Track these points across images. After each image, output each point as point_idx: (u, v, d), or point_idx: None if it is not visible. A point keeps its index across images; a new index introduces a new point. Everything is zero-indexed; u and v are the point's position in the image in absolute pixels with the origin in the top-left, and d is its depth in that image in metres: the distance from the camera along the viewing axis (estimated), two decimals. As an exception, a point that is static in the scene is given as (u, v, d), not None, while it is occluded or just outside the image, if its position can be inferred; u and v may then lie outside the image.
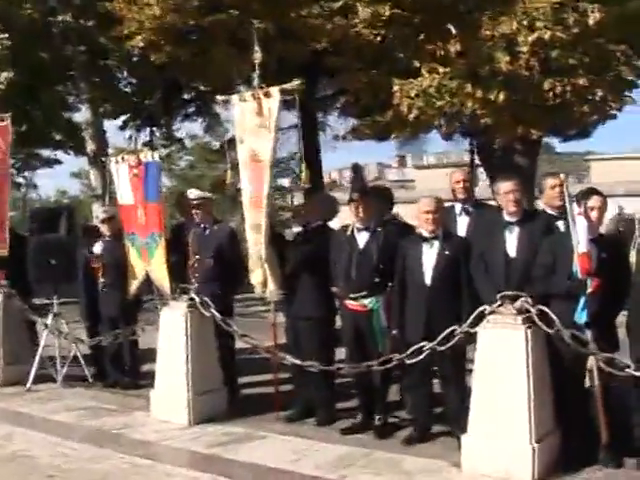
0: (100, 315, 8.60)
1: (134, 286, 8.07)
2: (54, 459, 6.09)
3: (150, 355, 7.80)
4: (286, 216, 13.04)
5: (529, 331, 5.33)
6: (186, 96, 18.04)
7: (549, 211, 6.19)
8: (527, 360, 5.29)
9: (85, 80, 15.91)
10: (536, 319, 5.34)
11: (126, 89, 17.53)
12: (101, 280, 8.47)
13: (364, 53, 10.73)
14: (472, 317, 5.59)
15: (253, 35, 7.22)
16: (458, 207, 6.87)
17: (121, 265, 8.24)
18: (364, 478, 5.47)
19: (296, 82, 6.36)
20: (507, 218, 6.08)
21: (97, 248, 8.58)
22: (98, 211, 8.99)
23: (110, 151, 17.49)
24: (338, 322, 6.94)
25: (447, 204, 6.65)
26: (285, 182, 28.36)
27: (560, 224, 6.00)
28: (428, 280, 6.10)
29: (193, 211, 7.82)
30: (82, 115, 17.93)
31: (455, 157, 41.67)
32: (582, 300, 5.34)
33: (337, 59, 10.76)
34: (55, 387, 8.50)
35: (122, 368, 8.56)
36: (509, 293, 5.49)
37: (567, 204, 5.53)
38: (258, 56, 6.77)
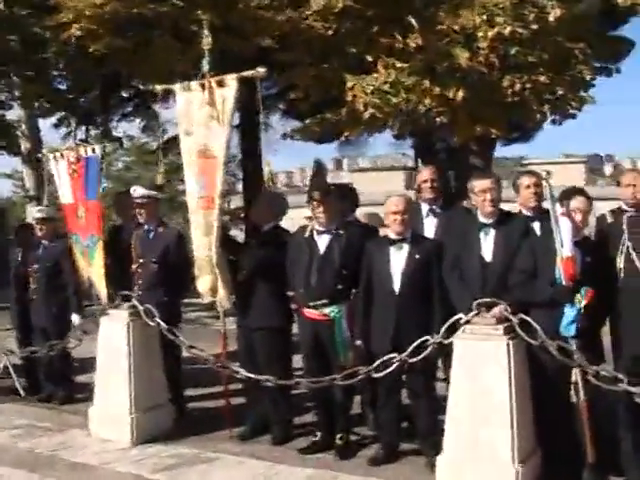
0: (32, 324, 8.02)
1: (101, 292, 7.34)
2: (-20, 488, 5.47)
3: (88, 364, 7.23)
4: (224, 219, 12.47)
5: (511, 342, 4.89)
6: (124, 94, 17.38)
7: (525, 212, 5.76)
8: (509, 373, 4.88)
9: (18, 74, 15.15)
10: (518, 329, 4.91)
11: (61, 86, 16.84)
12: (32, 287, 7.89)
13: (314, 47, 10.23)
14: (446, 326, 5.14)
15: (202, 21, 6.63)
16: (425, 208, 6.37)
17: (55, 271, 7.76)
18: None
19: (260, 69, 5.78)
20: (482, 219, 5.62)
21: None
22: (33, 212, 8.33)
23: (44, 151, 16.71)
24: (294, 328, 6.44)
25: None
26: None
27: (536, 226, 5.59)
28: (397, 286, 5.61)
29: (136, 211, 7.23)
30: (15, 112, 17.19)
31: (391, 160, 41.75)
32: (571, 311, 4.90)
33: (286, 54, 10.23)
34: (-18, 402, 7.81)
35: (57, 380, 7.98)
36: (487, 300, 5.05)
37: (550, 204, 5.12)
38: (208, 41, 6.18)
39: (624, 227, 5.23)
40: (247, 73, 5.86)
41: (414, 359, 5.28)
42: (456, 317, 5.10)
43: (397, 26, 9.66)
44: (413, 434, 5.96)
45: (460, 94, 9.25)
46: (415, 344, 5.25)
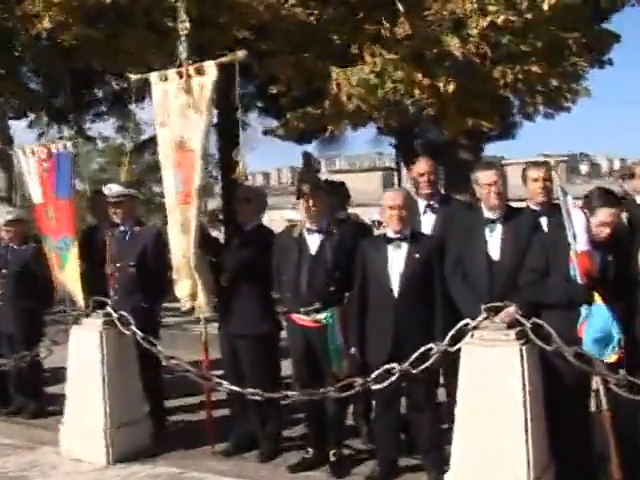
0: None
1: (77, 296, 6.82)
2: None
3: (60, 374, 6.72)
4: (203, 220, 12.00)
5: (524, 348, 4.45)
6: (98, 92, 16.87)
7: (532, 206, 5.32)
8: (523, 382, 4.42)
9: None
10: (531, 334, 4.46)
11: (34, 85, 16.32)
12: (-2, 292, 7.41)
13: (295, 35, 9.71)
14: (452, 332, 4.67)
15: (177, 8, 6.13)
16: (422, 204, 5.87)
17: (24, 276, 7.34)
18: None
19: (240, 53, 5.30)
20: (488, 214, 5.16)
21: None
22: (2, 213, 7.85)
23: (15, 147, 16.17)
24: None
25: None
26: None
27: (543, 221, 5.15)
28: (395, 288, 5.14)
29: (111, 210, 6.73)
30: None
31: (368, 161, 41.45)
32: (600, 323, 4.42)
33: (265, 42, 9.70)
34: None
35: (27, 392, 7.51)
36: (497, 304, 4.60)
37: (560, 195, 4.68)
38: (185, 26, 5.69)
39: None
40: (226, 58, 5.40)
41: (416, 369, 4.81)
42: (463, 322, 4.63)
43: (384, 12, 9.20)
44: (412, 447, 5.52)
45: (451, 86, 8.82)
46: (418, 353, 4.78)
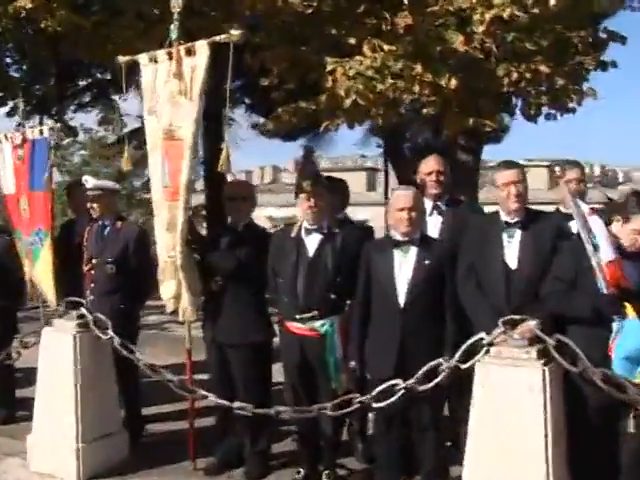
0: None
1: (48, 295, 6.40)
2: None
3: (33, 376, 6.07)
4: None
5: (546, 369, 3.99)
6: (82, 82, 16.40)
7: (563, 210, 4.90)
8: (545, 407, 3.97)
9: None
10: (554, 353, 4.00)
11: (15, 73, 15.84)
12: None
13: (291, 27, 9.26)
14: (464, 348, 4.21)
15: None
16: (428, 204, 5.41)
17: None
18: None
19: (235, 32, 4.84)
20: (506, 218, 4.72)
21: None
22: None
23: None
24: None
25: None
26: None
27: (573, 225, 4.71)
28: (402, 298, 4.68)
29: (89, 205, 6.24)
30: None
31: (351, 162, 41.15)
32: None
33: (259, 34, 9.24)
34: None
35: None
36: (515, 317, 4.14)
37: (571, 205, 4.29)
38: (178, 3, 5.23)
39: None
40: (220, 37, 4.94)
41: (423, 387, 4.35)
42: (477, 337, 4.17)
43: (385, 4, 8.75)
44: (411, 468, 5.04)
45: (453, 82, 8.38)
46: (425, 369, 4.32)
